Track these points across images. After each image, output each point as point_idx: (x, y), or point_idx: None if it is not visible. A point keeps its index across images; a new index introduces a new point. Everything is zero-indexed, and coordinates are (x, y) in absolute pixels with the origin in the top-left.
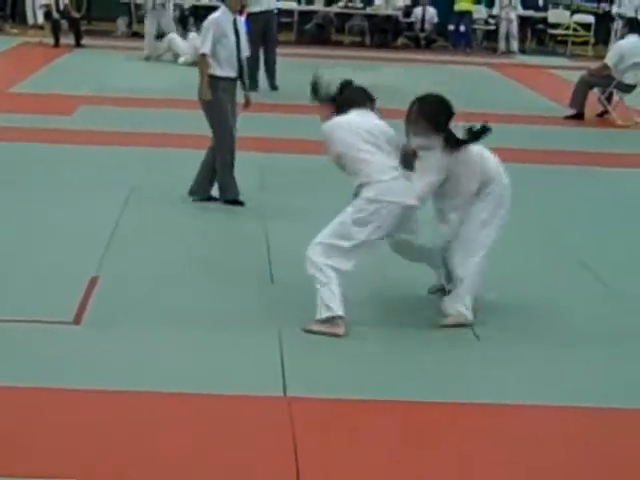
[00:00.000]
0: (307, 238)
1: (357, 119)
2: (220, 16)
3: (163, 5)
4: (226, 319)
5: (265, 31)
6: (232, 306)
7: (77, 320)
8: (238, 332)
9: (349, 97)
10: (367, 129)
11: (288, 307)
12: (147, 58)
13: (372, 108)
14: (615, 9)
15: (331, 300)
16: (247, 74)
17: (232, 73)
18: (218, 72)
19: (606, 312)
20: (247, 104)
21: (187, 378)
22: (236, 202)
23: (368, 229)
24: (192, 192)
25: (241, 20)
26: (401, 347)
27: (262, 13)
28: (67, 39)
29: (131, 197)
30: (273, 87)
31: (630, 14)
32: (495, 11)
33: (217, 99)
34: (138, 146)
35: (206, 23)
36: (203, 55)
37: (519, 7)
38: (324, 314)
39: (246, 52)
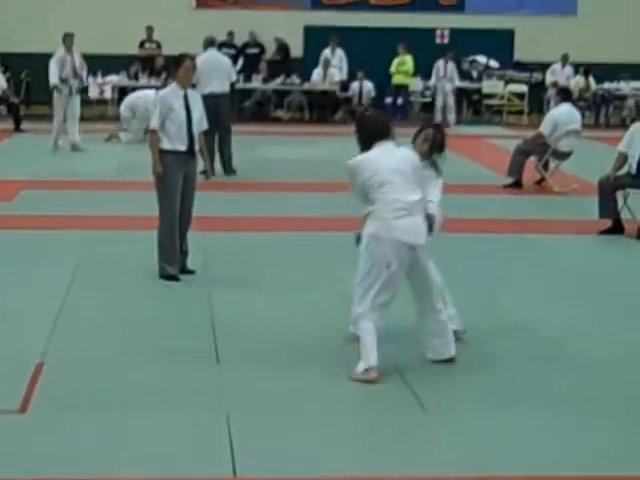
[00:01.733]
0: (251, 314)
1: (382, 156)
2: (168, 92)
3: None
4: (174, 401)
5: (216, 114)
6: (179, 388)
7: (23, 409)
8: (186, 414)
9: (370, 134)
10: (392, 167)
11: (235, 387)
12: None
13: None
14: (548, 78)
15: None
16: (206, 148)
17: (181, 147)
18: (166, 146)
19: (549, 372)
20: (207, 176)
21: (135, 463)
22: (170, 277)
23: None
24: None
25: (196, 95)
26: (361, 422)
27: (210, 96)
28: (6, 124)
29: (75, 279)
30: (229, 171)
31: (562, 83)
32: (431, 83)
33: (165, 173)
34: (81, 229)
35: (154, 99)
36: (152, 131)
37: (456, 80)
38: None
39: (203, 126)
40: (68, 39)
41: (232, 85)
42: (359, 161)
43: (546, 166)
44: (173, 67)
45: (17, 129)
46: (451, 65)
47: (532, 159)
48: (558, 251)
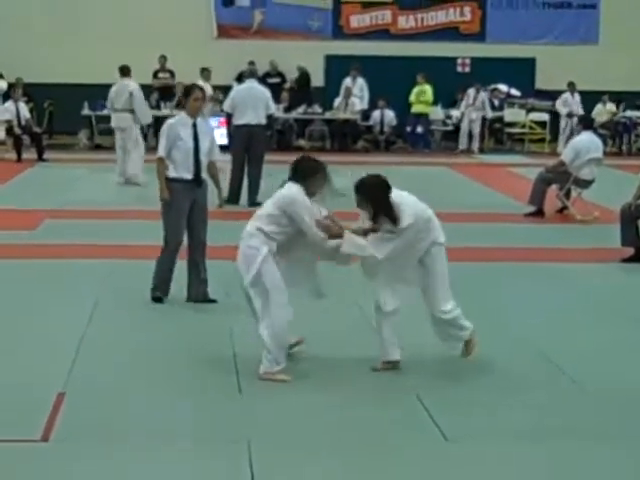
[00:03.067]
0: None
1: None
2: (176, 121)
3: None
4: (195, 431)
5: (248, 145)
6: (201, 418)
7: (45, 438)
8: (207, 445)
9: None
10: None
11: (256, 417)
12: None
13: None
14: (561, 109)
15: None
16: (218, 176)
17: (187, 175)
18: (172, 174)
19: (571, 403)
20: (220, 205)
21: None
22: (155, 299)
23: None
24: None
25: (206, 125)
26: (383, 452)
27: (244, 126)
28: (29, 154)
29: (97, 309)
30: (252, 203)
31: (575, 112)
32: (459, 111)
33: (172, 200)
34: (103, 258)
35: (162, 128)
36: (159, 158)
37: (488, 109)
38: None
39: (214, 156)
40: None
41: (269, 117)
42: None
43: (568, 194)
44: (182, 97)
45: (40, 159)
46: (482, 94)
47: (554, 187)
48: (580, 279)
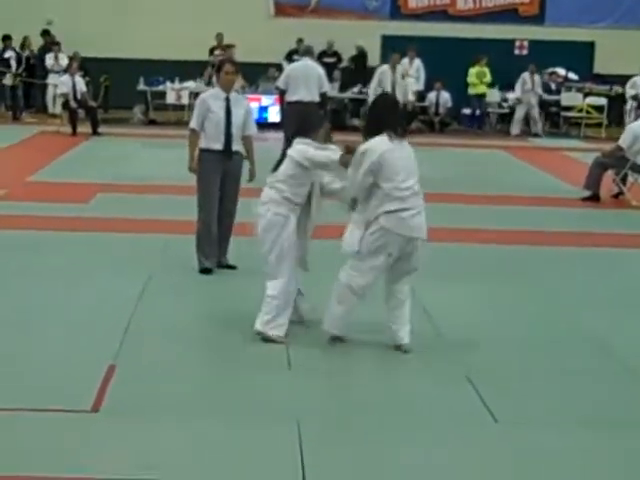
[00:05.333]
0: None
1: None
2: (208, 94)
3: None
4: (243, 408)
5: (302, 121)
6: (249, 394)
7: (95, 408)
8: (255, 422)
9: None
10: None
11: (306, 395)
12: None
13: None
14: (628, 91)
15: None
16: (252, 151)
17: (217, 146)
18: (203, 145)
19: (623, 390)
20: (250, 178)
21: (204, 468)
22: (205, 271)
23: None
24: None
25: (239, 99)
26: (432, 432)
27: (296, 103)
28: (84, 128)
29: (149, 283)
30: None
31: None
32: (516, 95)
33: (202, 170)
34: (155, 233)
35: (195, 102)
36: (191, 130)
37: (540, 91)
38: None
39: (250, 130)
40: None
41: (324, 95)
42: None
43: (624, 180)
44: (215, 72)
45: (94, 133)
46: (537, 78)
47: (610, 172)
48: (635, 265)
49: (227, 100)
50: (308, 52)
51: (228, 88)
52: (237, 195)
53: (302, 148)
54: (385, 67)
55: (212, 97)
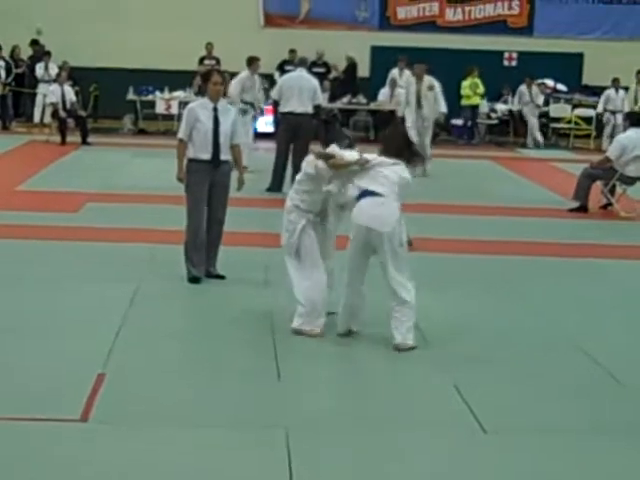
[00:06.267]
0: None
1: None
2: (196, 104)
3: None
4: (232, 418)
5: (294, 133)
6: (238, 404)
7: (84, 418)
8: (244, 431)
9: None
10: None
11: (295, 405)
12: None
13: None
14: (601, 106)
15: None
16: (241, 158)
17: (205, 155)
18: (191, 154)
19: (608, 400)
20: (239, 186)
21: (193, 477)
22: (193, 280)
23: None
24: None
25: (227, 109)
26: (420, 440)
27: (289, 114)
28: (74, 137)
29: (138, 292)
30: None
31: (619, 109)
32: (514, 107)
33: (190, 179)
34: (144, 243)
35: (183, 112)
36: (179, 140)
37: (540, 102)
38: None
39: (236, 139)
40: (254, 63)
41: (318, 107)
42: None
43: (612, 191)
44: (202, 82)
45: (84, 142)
46: (535, 89)
47: (598, 183)
48: (623, 276)
49: (215, 110)
50: (303, 63)
51: (216, 98)
52: (226, 203)
53: (309, 157)
54: (402, 74)
55: (200, 107)
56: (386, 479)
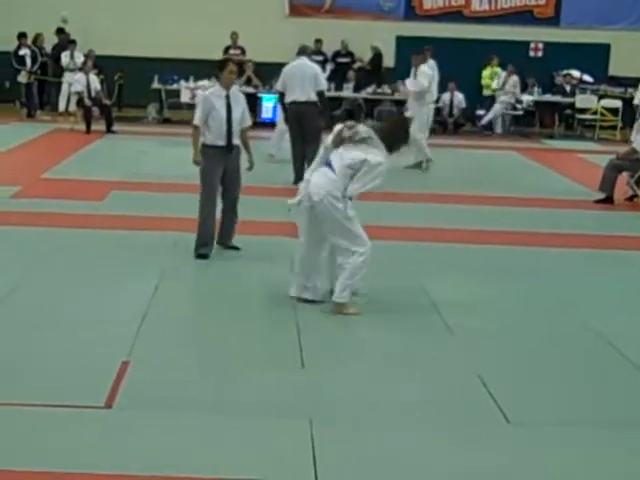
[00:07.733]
0: (338, 322)
1: None
2: (211, 92)
3: None
4: (256, 406)
5: (300, 123)
6: (262, 392)
7: (108, 404)
8: (268, 419)
9: None
10: None
11: (319, 393)
12: None
13: None
14: (638, 95)
15: None
16: (248, 142)
17: (220, 142)
18: (207, 141)
19: (631, 391)
20: (250, 168)
21: (215, 464)
22: (200, 256)
23: None
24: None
25: (238, 95)
26: (444, 432)
27: (293, 104)
28: (98, 125)
29: (162, 280)
30: (296, 181)
31: None
32: (533, 97)
33: (205, 165)
34: (169, 231)
35: (197, 99)
36: (194, 126)
37: (517, 91)
38: None
39: (246, 123)
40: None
41: (321, 94)
42: None
43: (639, 182)
44: (218, 70)
45: (109, 130)
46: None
47: (624, 175)
48: None
49: (227, 97)
50: (303, 51)
51: (229, 86)
52: (240, 182)
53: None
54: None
55: (214, 95)
56: (409, 468)
